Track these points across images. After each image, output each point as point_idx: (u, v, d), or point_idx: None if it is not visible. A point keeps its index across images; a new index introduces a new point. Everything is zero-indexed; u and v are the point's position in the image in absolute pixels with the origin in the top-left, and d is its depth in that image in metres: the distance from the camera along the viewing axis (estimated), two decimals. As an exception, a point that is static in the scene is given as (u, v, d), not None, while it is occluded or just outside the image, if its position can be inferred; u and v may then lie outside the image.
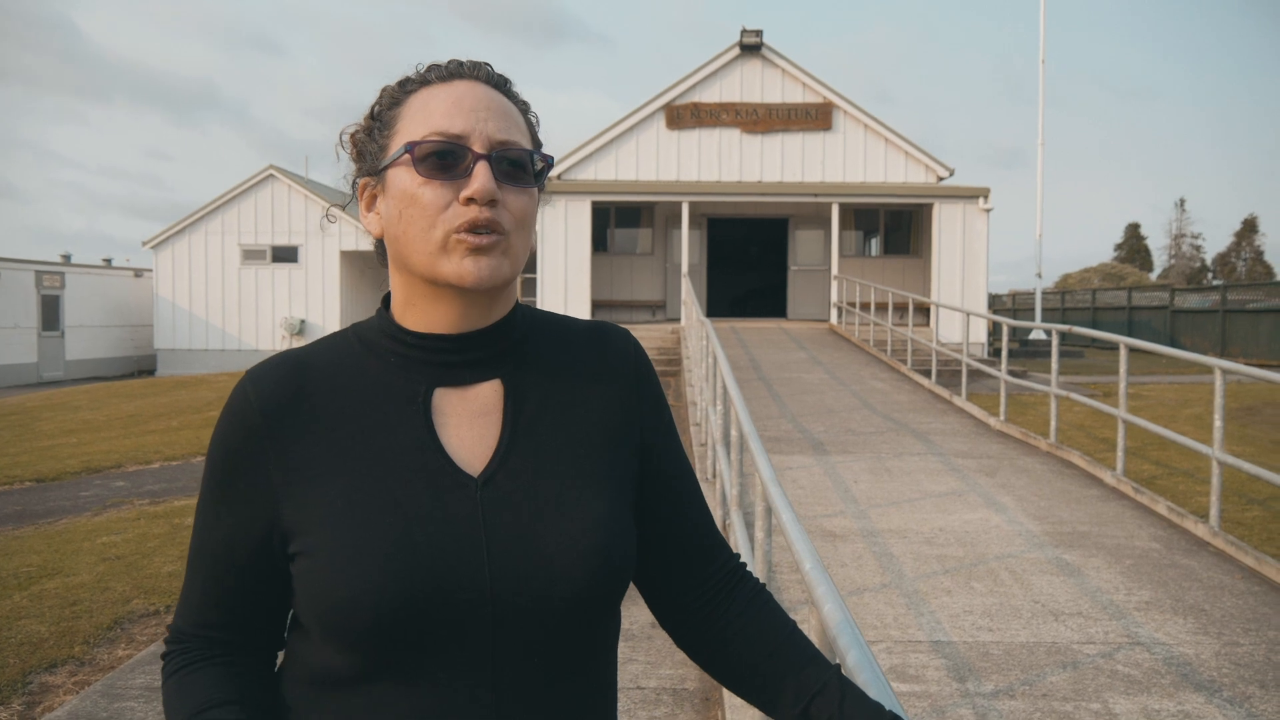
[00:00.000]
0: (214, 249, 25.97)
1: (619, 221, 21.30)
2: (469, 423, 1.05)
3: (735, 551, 1.26)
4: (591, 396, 1.12)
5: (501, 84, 1.09)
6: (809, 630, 2.03)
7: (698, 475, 7.66)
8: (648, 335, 17.83)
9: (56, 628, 4.88)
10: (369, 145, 1.08)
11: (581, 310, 18.70)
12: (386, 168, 1.04)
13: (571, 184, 19.40)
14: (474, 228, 1.00)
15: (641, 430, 1.15)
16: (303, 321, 25.58)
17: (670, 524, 1.17)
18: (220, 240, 25.96)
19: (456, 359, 1.07)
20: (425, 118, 1.02)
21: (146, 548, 6.45)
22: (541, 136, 1.14)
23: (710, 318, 20.38)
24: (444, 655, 0.97)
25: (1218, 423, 5.97)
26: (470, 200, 0.99)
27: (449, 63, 1.08)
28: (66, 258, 26.88)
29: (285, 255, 25.88)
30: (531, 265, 19.51)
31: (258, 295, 25.89)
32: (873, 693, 1.36)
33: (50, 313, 25.14)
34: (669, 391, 13.77)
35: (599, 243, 20.77)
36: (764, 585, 1.23)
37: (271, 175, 25.80)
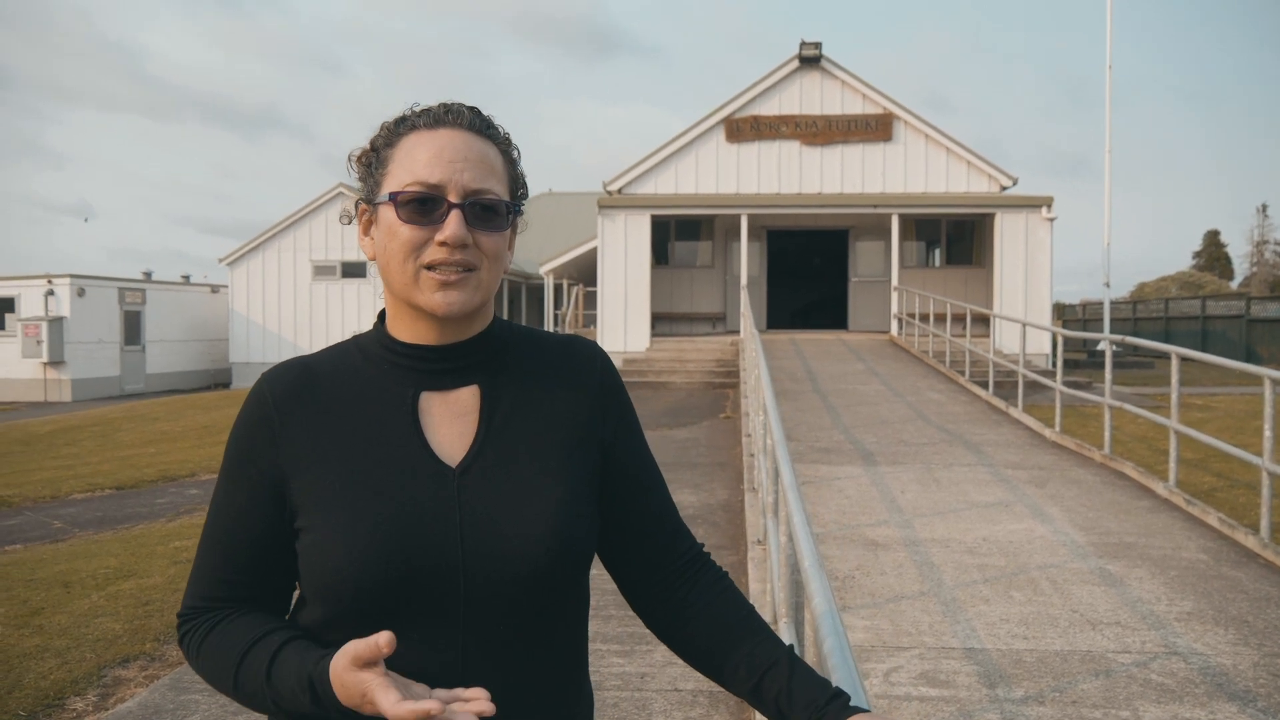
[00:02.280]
0: (286, 265, 26.79)
1: (679, 234, 21.45)
2: (449, 422, 1.22)
3: (700, 541, 1.39)
4: (559, 400, 1.28)
5: (483, 129, 1.24)
6: (804, 621, 2.15)
7: (746, 485, 7.76)
8: (707, 348, 17.93)
9: (130, 625, 5.17)
10: (367, 176, 1.25)
11: (642, 323, 18.85)
12: (378, 203, 1.21)
13: (631, 198, 19.62)
14: (444, 265, 1.16)
15: (604, 430, 1.30)
16: (371, 335, 26.17)
17: (632, 513, 1.32)
18: (292, 257, 26.77)
19: (439, 366, 1.23)
20: (410, 165, 1.18)
21: (215, 552, 6.75)
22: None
23: (771, 330, 20.42)
24: (420, 621, 1.13)
25: (1267, 432, 5.91)
26: (443, 243, 1.16)
27: (436, 108, 1.23)
28: (148, 274, 27.92)
29: (355, 271, 26.58)
30: (592, 279, 19.73)
31: (328, 310, 26.62)
32: (839, 677, 1.49)
33: (132, 328, 26.15)
34: (727, 403, 13.86)
35: (659, 255, 20.95)
36: (726, 573, 1.37)
37: (341, 193, 26.51)
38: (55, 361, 24.06)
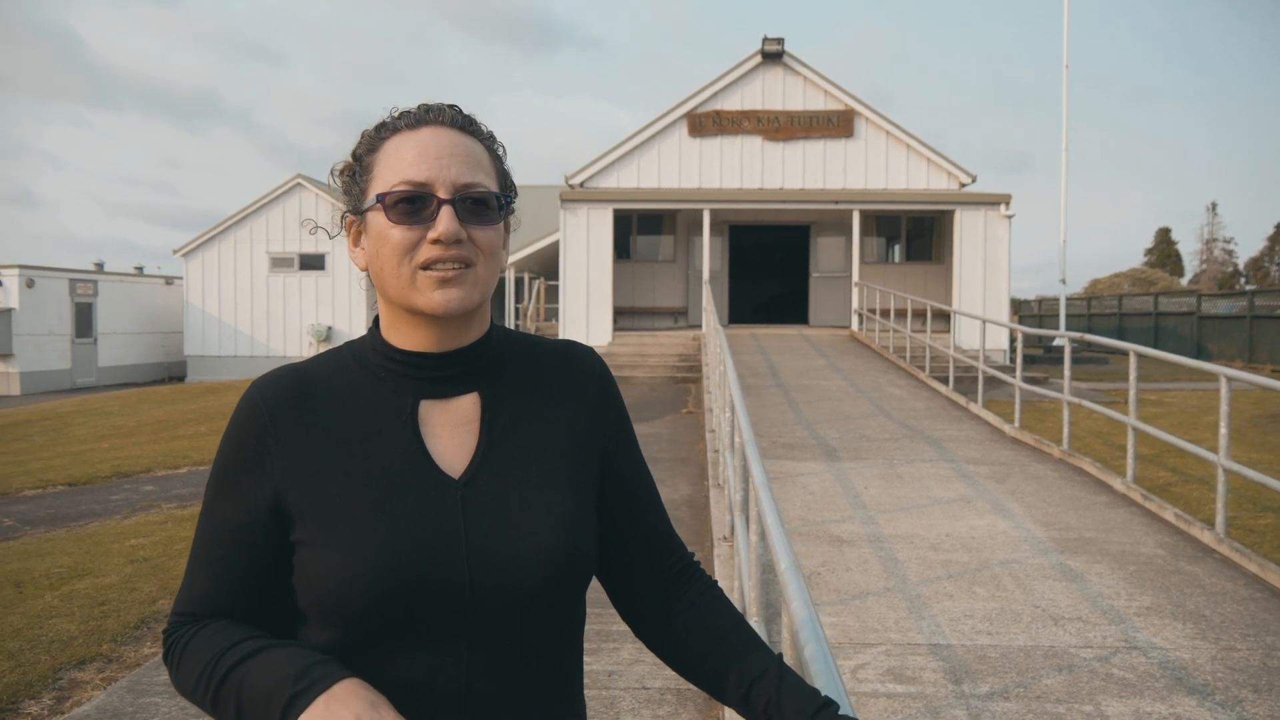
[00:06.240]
0: (243, 257, 26.40)
1: (641, 229, 21.43)
2: (451, 431, 1.19)
3: (690, 550, 1.38)
4: (559, 408, 1.26)
5: (466, 125, 1.22)
6: (782, 626, 2.15)
7: (711, 481, 7.78)
8: (669, 342, 17.94)
9: (86, 626, 5.06)
10: (352, 186, 1.22)
11: (604, 317, 18.83)
12: (366, 210, 1.19)
13: (593, 192, 19.57)
14: (440, 263, 1.14)
15: (603, 438, 1.29)
16: (330, 328, 25.91)
17: (627, 522, 1.31)
18: (249, 248, 26.39)
19: (439, 374, 1.21)
20: (395, 166, 1.16)
21: (173, 550, 6.64)
22: (515, 161, 1.28)
23: (732, 324, 20.48)
24: (425, 636, 1.10)
25: (1223, 429, 6.02)
26: (436, 241, 1.13)
27: (417, 109, 1.21)
28: (99, 265, 27.37)
29: (313, 263, 26.26)
30: (555, 272, 19.69)
31: (285, 302, 26.28)
32: (822, 683, 1.48)
33: (84, 320, 25.62)
34: (689, 398, 13.88)
35: (621, 250, 20.92)
36: (715, 582, 1.36)
37: (299, 184, 26.19)
38: (3, 354, 23.50)
